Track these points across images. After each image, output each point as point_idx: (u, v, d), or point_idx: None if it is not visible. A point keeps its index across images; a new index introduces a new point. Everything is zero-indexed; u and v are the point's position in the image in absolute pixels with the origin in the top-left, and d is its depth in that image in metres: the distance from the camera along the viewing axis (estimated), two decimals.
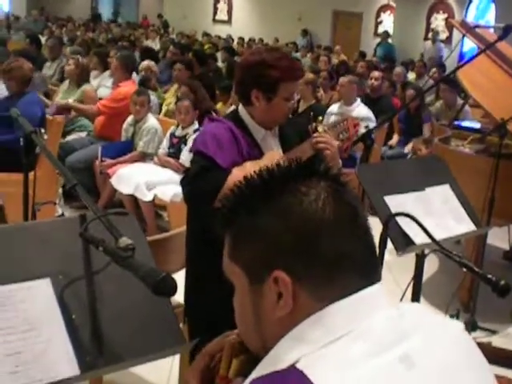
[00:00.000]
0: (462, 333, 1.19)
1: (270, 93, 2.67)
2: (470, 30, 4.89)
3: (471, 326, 4.53)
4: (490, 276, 2.39)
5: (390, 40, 19.28)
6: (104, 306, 1.84)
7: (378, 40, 19.75)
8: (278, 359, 1.08)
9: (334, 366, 1.02)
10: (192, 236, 2.87)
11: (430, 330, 1.13)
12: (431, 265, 5.47)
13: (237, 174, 2.46)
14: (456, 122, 6.86)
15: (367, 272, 1.14)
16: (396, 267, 4.84)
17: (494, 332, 4.63)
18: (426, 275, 5.24)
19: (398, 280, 4.56)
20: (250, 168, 2.50)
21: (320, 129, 2.79)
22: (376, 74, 8.60)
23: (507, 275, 5.56)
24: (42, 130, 2.36)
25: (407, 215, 2.57)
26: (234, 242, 1.17)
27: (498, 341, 4.53)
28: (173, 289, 1.52)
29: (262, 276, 1.11)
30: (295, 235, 1.10)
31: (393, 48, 18.68)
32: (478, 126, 6.56)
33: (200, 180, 2.59)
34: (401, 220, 2.70)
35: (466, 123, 6.74)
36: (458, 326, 1.20)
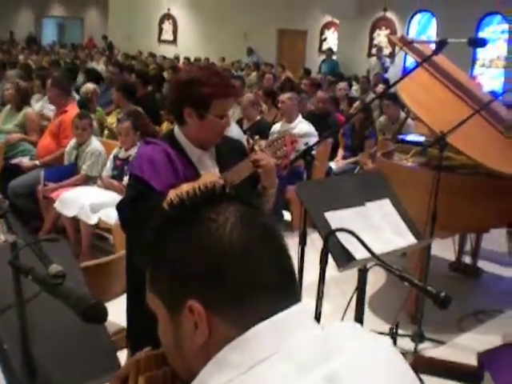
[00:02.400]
0: (391, 349, 1.18)
1: (202, 110, 2.66)
2: (408, 44, 4.97)
3: (418, 337, 4.57)
4: (429, 288, 2.40)
5: (334, 57, 19.50)
6: (36, 335, 1.79)
7: (323, 57, 19.96)
8: None
9: None
10: (131, 261, 2.83)
11: (357, 349, 1.12)
12: (378, 278, 5.51)
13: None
14: (400, 136, 6.95)
15: (284, 293, 1.12)
16: (342, 281, 4.85)
17: (441, 342, 4.67)
18: (373, 288, 5.33)
19: (345, 293, 4.57)
20: (187, 190, 2.48)
21: (257, 147, 2.79)
22: (320, 94, 8.68)
23: (454, 286, 5.71)
24: None
25: (347, 230, 2.58)
26: (151, 274, 1.17)
27: (445, 351, 4.57)
28: (103, 316, 1.49)
29: (177, 306, 1.11)
30: (203, 263, 1.09)
31: (337, 64, 18.90)
32: (421, 139, 6.64)
33: (136, 205, 2.57)
34: (341, 236, 2.71)
35: (409, 137, 6.82)
36: (386, 341, 1.19)
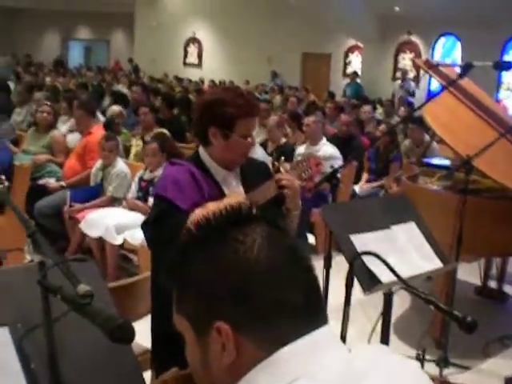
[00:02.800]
0: (419, 372, 1.18)
1: (227, 129, 2.67)
2: (433, 68, 4.97)
3: (443, 363, 4.52)
4: (456, 313, 2.39)
5: (358, 80, 19.54)
6: (64, 354, 1.80)
7: (347, 80, 20.01)
8: None
9: None
10: (156, 281, 2.84)
11: (385, 372, 1.12)
12: (404, 302, 5.47)
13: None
14: (425, 160, 6.93)
15: (310, 315, 1.13)
16: (368, 304, 4.82)
17: (466, 368, 4.61)
18: (398, 312, 5.29)
19: (371, 317, 4.55)
20: (213, 209, 2.49)
21: (282, 169, 2.80)
22: (344, 117, 8.68)
23: (479, 311, 5.66)
24: (3, 177, 2.33)
25: (373, 254, 2.57)
26: (178, 295, 1.18)
27: (470, 377, 4.52)
28: (130, 335, 1.49)
29: (205, 327, 1.11)
30: (230, 285, 1.09)
31: (361, 88, 18.93)
32: (446, 162, 6.62)
33: (160, 224, 2.58)
34: (367, 259, 2.70)
35: (434, 160, 6.80)
36: (414, 364, 1.19)
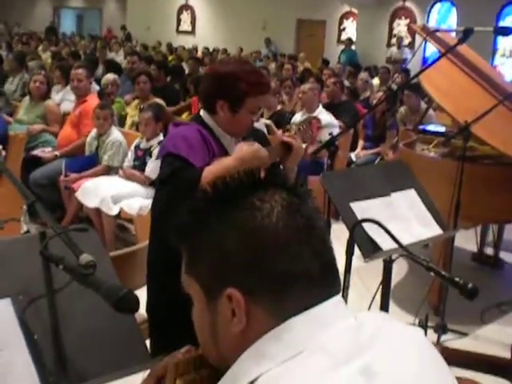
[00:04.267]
0: (423, 339, 1.17)
1: (236, 106, 2.64)
2: (430, 34, 4.92)
3: (441, 329, 4.54)
4: (457, 279, 2.38)
5: (353, 47, 19.42)
6: (67, 325, 1.79)
7: (342, 47, 19.89)
8: (236, 378, 1.07)
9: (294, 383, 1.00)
10: (157, 246, 2.79)
11: (390, 339, 1.11)
12: (401, 269, 5.49)
13: (212, 171, 2.45)
14: (421, 127, 6.91)
15: (324, 285, 1.12)
16: (366, 272, 4.83)
17: (464, 334, 4.65)
18: (396, 279, 5.30)
19: (368, 285, 4.56)
20: (227, 163, 2.49)
21: (292, 130, 2.81)
22: (330, 82, 8.66)
23: (476, 277, 5.67)
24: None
25: (373, 221, 2.56)
26: (190, 257, 1.15)
27: (468, 343, 4.55)
28: (135, 305, 1.48)
29: (216, 292, 1.10)
30: (247, 251, 1.08)
31: (356, 54, 18.82)
32: (442, 129, 6.60)
33: (176, 180, 2.51)
34: (367, 226, 2.69)
35: (430, 127, 6.78)
36: (418, 332, 1.18)
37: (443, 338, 4.54)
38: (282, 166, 2.73)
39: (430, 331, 4.55)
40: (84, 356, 1.79)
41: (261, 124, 6.52)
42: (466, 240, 6.08)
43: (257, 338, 1.07)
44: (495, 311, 5.08)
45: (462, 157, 4.27)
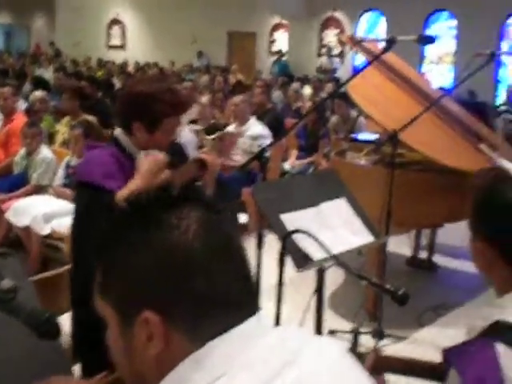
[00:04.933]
0: (344, 353, 1.16)
1: (153, 127, 2.59)
2: (357, 44, 4.98)
3: (378, 335, 4.58)
4: (388, 286, 2.41)
5: (285, 58, 19.57)
6: None
7: (273, 58, 20.02)
8: None
9: None
10: (77, 270, 2.70)
11: (313, 354, 1.09)
12: (338, 276, 5.52)
13: (123, 193, 2.40)
14: (353, 135, 6.99)
15: (243, 305, 1.09)
16: (302, 281, 4.84)
17: (401, 338, 4.69)
18: (333, 286, 5.32)
19: (305, 294, 4.56)
20: (135, 182, 2.45)
21: (205, 147, 2.78)
22: (256, 93, 8.72)
23: (411, 281, 5.75)
24: None
25: (303, 232, 2.56)
26: (102, 279, 1.10)
27: (405, 347, 4.60)
28: (56, 331, 1.44)
29: (132, 315, 1.04)
30: (163, 272, 1.03)
31: (288, 65, 18.97)
32: (374, 137, 6.68)
33: (93, 210, 2.45)
34: (298, 237, 2.69)
35: (362, 135, 6.86)
36: (340, 345, 1.18)
37: (381, 343, 4.58)
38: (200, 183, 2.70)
39: (368, 337, 4.58)
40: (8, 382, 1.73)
41: (192, 137, 6.50)
42: (400, 245, 6.16)
43: (176, 361, 1.03)
44: (432, 315, 5.15)
45: (392, 164, 4.33)
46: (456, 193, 4.59)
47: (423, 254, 6.38)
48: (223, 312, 1.05)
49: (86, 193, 2.52)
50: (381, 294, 4.50)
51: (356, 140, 6.31)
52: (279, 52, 19.64)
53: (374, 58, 3.83)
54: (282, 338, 1.10)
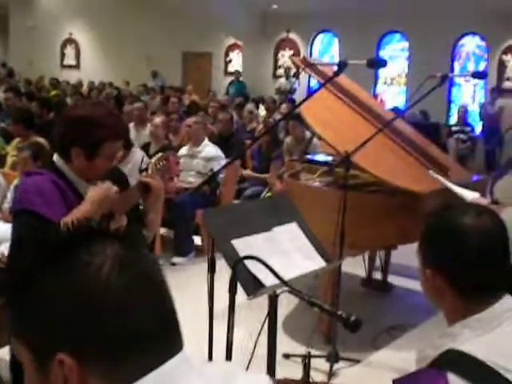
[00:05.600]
0: None
1: (92, 153, 2.52)
2: (308, 66, 5.00)
3: (333, 358, 4.55)
4: (340, 313, 2.38)
5: (241, 78, 19.61)
6: None
7: (229, 79, 20.04)
8: None
9: None
10: None
11: None
12: (292, 299, 5.47)
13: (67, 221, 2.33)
14: (308, 156, 6.98)
15: (165, 344, 1.03)
16: (256, 305, 4.80)
17: (356, 361, 4.67)
18: (287, 310, 5.29)
19: (259, 318, 4.52)
20: (82, 209, 2.39)
21: (150, 169, 2.72)
22: (222, 116, 8.68)
23: (366, 303, 5.76)
24: None
25: (254, 258, 2.53)
26: (17, 319, 1.03)
27: (360, 370, 4.59)
28: None
29: (46, 357, 0.98)
30: (76, 312, 0.96)
31: (245, 86, 19.01)
32: (328, 158, 6.69)
33: (33, 241, 2.37)
34: (250, 263, 2.65)
35: (317, 157, 6.86)
36: (266, 380, 1.14)
37: (336, 366, 4.55)
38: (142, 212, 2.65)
39: (323, 360, 4.55)
40: None
41: (146, 160, 6.43)
42: (355, 265, 6.16)
43: None
44: (386, 336, 5.15)
45: (344, 186, 4.32)
46: (408, 214, 4.61)
47: (378, 275, 6.40)
48: (142, 353, 1.00)
49: (29, 221, 2.43)
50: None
51: (310, 161, 6.31)
52: (235, 72, 19.68)
53: (326, 81, 3.84)
54: (206, 379, 1.06)
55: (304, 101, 4.10)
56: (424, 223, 1.84)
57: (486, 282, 1.73)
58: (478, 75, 4.31)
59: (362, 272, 6.38)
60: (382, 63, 3.76)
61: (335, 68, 4.79)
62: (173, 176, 2.70)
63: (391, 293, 6.23)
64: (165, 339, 1.03)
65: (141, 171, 2.73)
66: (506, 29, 15.31)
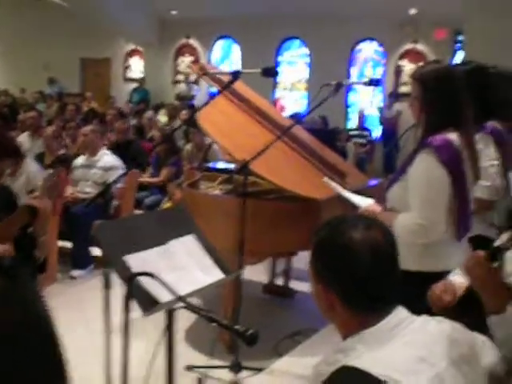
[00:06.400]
0: None
1: None
2: (205, 74, 4.95)
3: (236, 367, 4.51)
4: (237, 327, 2.36)
5: (144, 84, 19.36)
6: None
7: (130, 85, 19.78)
8: None
9: None
10: None
11: None
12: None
13: None
14: (210, 164, 6.93)
15: None
16: (154, 319, 4.71)
17: (259, 370, 4.64)
18: (189, 321, 5.20)
19: (158, 330, 4.43)
20: None
21: (37, 190, 2.62)
22: (118, 124, 8.51)
23: (268, 309, 5.75)
24: None
25: (148, 274, 2.45)
26: None
27: (264, 378, 4.56)
28: None
29: None
30: None
31: (148, 92, 18.78)
32: (230, 166, 6.65)
33: None
34: (144, 279, 2.56)
35: (218, 164, 6.82)
36: None
37: (239, 375, 4.51)
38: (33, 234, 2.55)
39: (225, 371, 4.51)
40: None
41: (41, 172, 6.23)
42: (257, 272, 6.15)
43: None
44: (289, 342, 5.14)
45: (243, 194, 4.29)
46: (307, 221, 4.63)
47: (280, 281, 6.41)
48: None
49: None
50: (237, 321, 4.44)
51: (209, 169, 6.26)
52: (139, 79, 19.44)
53: (222, 89, 3.80)
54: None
55: (202, 107, 4.05)
56: (314, 237, 1.82)
57: (377, 295, 1.72)
58: (372, 83, 4.36)
59: (264, 278, 6.38)
60: (274, 72, 3.77)
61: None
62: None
63: (293, 298, 6.25)
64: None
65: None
66: (403, 35, 15.74)
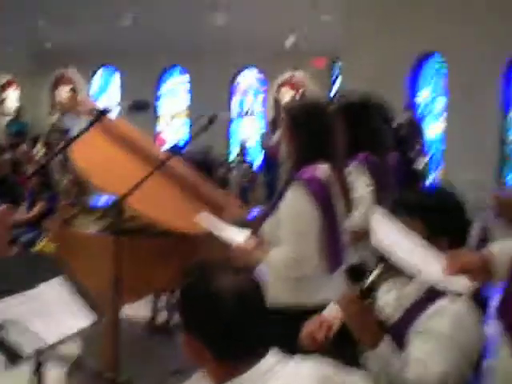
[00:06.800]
0: None
1: None
2: (72, 110, 4.83)
3: None
4: (106, 375, 2.28)
5: (20, 117, 18.79)
6: None
7: (5, 118, 19.16)
8: None
9: None
10: None
11: None
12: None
13: None
14: (89, 198, 6.75)
15: None
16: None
17: None
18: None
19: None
20: None
21: None
22: None
23: (149, 347, 5.63)
24: None
25: (9, 323, 2.33)
26: None
27: None
28: None
29: None
30: None
31: (26, 125, 18.20)
32: (109, 200, 6.47)
33: None
34: (8, 329, 2.43)
35: (94, 199, 6.64)
36: None
37: None
38: None
39: None
40: None
41: None
42: (138, 309, 6.01)
43: None
44: (172, 380, 5.03)
45: (116, 231, 4.16)
46: (186, 256, 4.56)
47: (163, 316, 6.30)
48: None
49: None
50: (118, 362, 4.28)
51: (86, 204, 6.10)
52: (16, 111, 18.86)
53: (91, 124, 3.69)
54: None
55: (73, 141, 3.92)
56: (182, 281, 1.78)
57: (244, 343, 1.70)
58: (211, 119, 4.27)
59: (146, 314, 6.25)
60: (145, 105, 3.71)
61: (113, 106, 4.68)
62: None
63: (175, 335, 6.14)
64: None
65: None
66: (282, 63, 16.02)
